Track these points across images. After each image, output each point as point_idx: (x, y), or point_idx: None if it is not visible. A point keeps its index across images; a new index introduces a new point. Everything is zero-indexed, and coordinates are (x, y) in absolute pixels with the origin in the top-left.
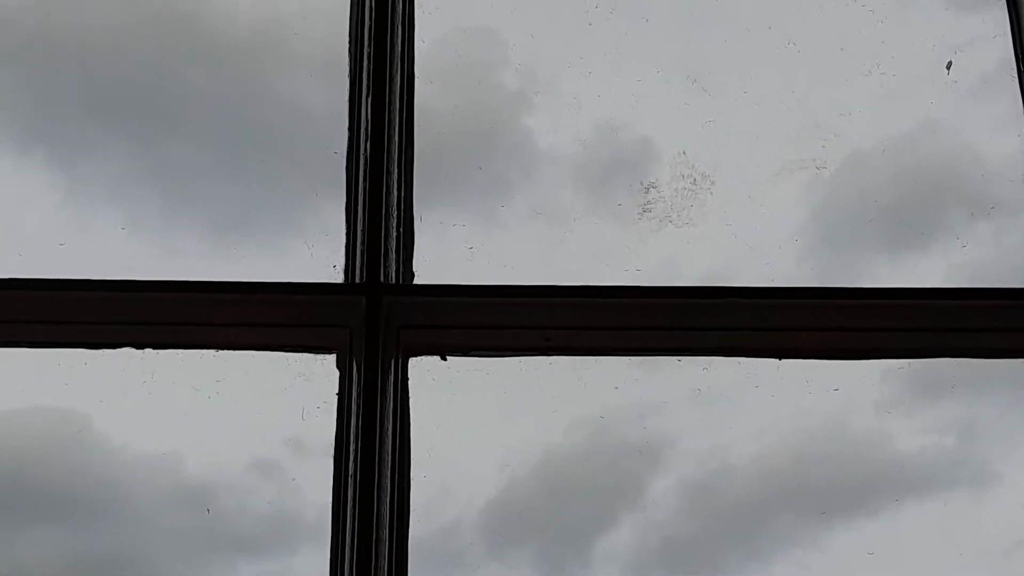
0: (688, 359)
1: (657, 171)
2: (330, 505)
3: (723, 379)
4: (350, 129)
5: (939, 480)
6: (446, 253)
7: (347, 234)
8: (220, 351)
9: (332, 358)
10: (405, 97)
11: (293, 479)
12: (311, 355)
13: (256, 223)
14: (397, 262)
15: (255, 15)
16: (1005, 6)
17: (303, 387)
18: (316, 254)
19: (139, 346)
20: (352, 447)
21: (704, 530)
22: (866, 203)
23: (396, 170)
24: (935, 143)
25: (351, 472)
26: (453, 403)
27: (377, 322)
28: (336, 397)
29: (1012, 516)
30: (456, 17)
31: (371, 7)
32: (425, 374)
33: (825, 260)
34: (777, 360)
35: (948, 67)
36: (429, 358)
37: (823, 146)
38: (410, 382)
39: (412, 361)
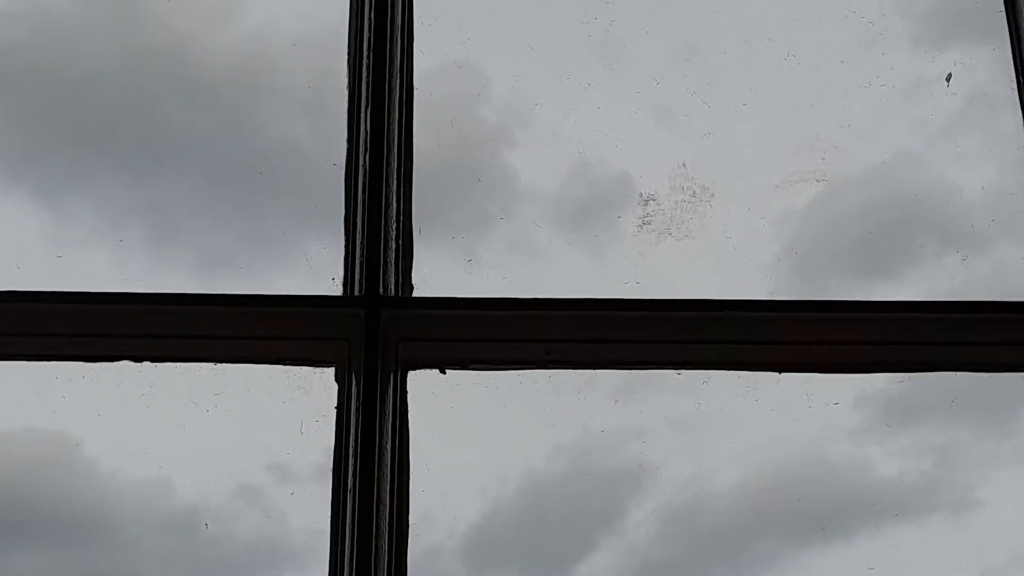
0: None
1: (656, 184)
2: (328, 519)
3: (722, 393)
4: (348, 141)
5: (917, 504)
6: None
7: (346, 246)
8: (218, 364)
9: (331, 371)
10: (404, 109)
11: (292, 493)
12: (310, 368)
13: (244, 257)
14: (396, 275)
15: (242, 49)
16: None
17: (302, 400)
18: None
19: (137, 359)
20: (351, 460)
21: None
22: (865, 215)
23: (395, 182)
24: (934, 154)
25: (350, 486)
26: (451, 417)
27: (376, 335)
28: (335, 411)
29: (990, 539)
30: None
31: (370, 19)
32: (424, 387)
33: (821, 273)
34: (777, 374)
35: (948, 79)
36: (428, 371)
37: (823, 158)
38: (409, 396)
39: (411, 375)
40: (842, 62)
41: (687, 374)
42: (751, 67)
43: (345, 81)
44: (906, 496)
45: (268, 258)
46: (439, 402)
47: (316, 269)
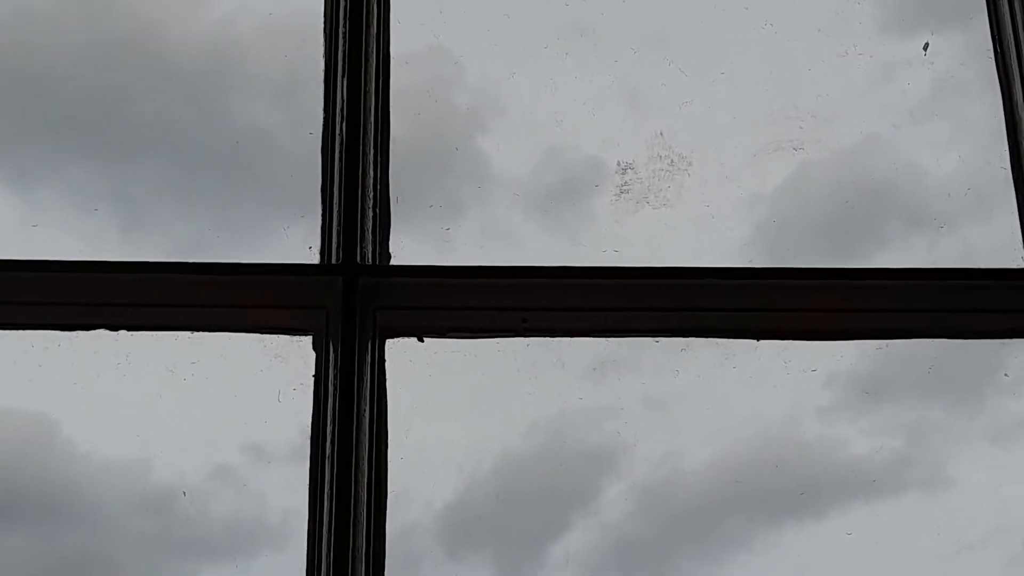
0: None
1: (633, 153)
2: (307, 487)
3: (700, 361)
4: (325, 110)
5: (889, 481)
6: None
7: (323, 215)
8: (195, 333)
9: (308, 340)
10: (381, 78)
11: (269, 463)
12: (287, 337)
13: (217, 244)
14: (374, 243)
15: (212, 37)
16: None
17: (279, 369)
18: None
19: (113, 328)
20: (329, 429)
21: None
22: (843, 186)
23: (372, 151)
24: (912, 125)
25: (328, 454)
26: (429, 385)
27: (354, 303)
28: (313, 379)
29: (963, 516)
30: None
31: None
32: (402, 356)
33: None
34: (755, 341)
35: (925, 48)
36: (406, 340)
37: (800, 127)
38: (387, 364)
39: (389, 343)
40: (819, 31)
41: (665, 342)
42: (727, 36)
43: (317, 63)
44: (879, 473)
45: (241, 244)
46: (417, 370)
47: (291, 250)
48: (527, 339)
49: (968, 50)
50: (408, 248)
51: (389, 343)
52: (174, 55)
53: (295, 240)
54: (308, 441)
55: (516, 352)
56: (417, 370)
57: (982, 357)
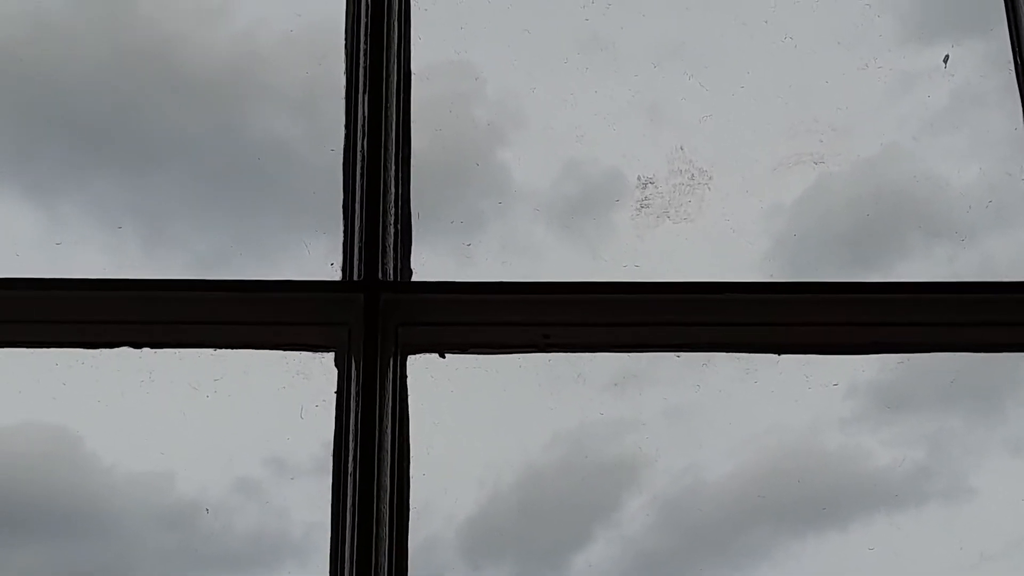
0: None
1: (654, 168)
2: (329, 503)
3: (721, 375)
4: (347, 126)
5: (911, 493)
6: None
7: (344, 231)
8: (218, 350)
9: (330, 356)
10: (402, 93)
11: (292, 478)
12: (309, 353)
13: (238, 256)
14: (395, 259)
15: (233, 51)
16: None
17: (302, 385)
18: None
19: (137, 345)
20: (351, 445)
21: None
22: (863, 198)
23: (394, 167)
24: (931, 136)
25: (350, 470)
26: (451, 401)
27: (375, 319)
28: (335, 395)
29: (985, 527)
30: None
31: (367, 3)
32: (424, 372)
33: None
34: (776, 356)
35: (945, 61)
36: (428, 356)
37: (821, 140)
38: (408, 380)
39: (411, 359)
40: (839, 44)
41: (686, 357)
42: (747, 49)
43: (338, 78)
44: (900, 485)
45: (262, 259)
46: (439, 386)
47: (312, 265)
48: (548, 355)
49: (988, 61)
50: (429, 263)
51: (411, 359)
52: (195, 69)
53: (316, 256)
54: (331, 456)
55: (538, 367)
56: (439, 386)
57: (1003, 369)
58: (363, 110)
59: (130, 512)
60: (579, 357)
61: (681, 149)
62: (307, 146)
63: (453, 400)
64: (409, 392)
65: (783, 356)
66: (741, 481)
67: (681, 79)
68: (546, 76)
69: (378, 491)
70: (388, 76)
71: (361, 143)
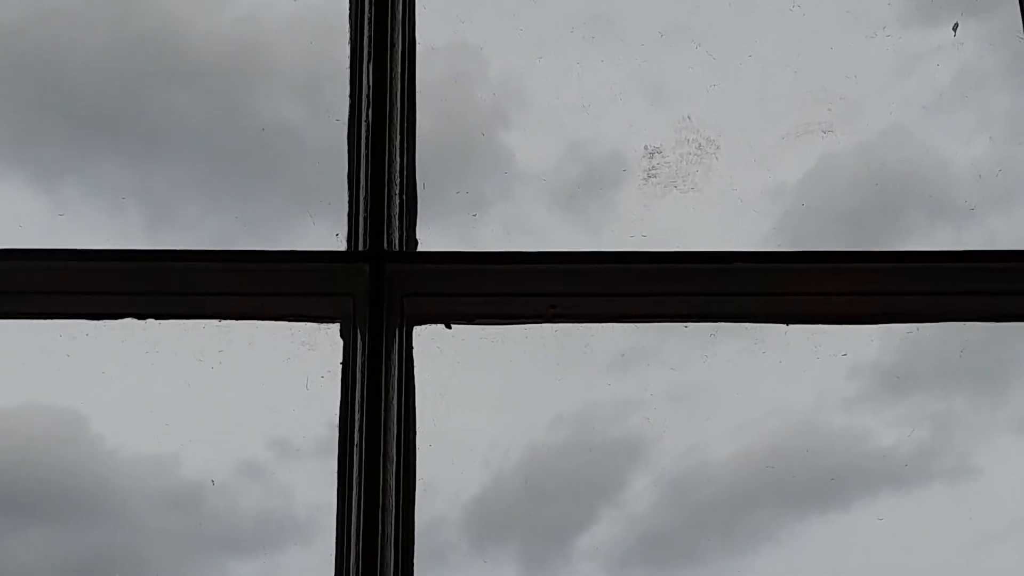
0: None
1: (661, 137)
2: (335, 475)
3: (729, 346)
4: (351, 96)
5: (915, 473)
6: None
7: (349, 202)
8: (223, 321)
9: (336, 327)
10: (407, 62)
11: (297, 449)
12: (315, 324)
13: (242, 240)
14: (400, 229)
15: (237, 32)
16: None
17: (307, 356)
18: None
19: (141, 317)
20: (357, 416)
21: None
22: (871, 172)
23: (399, 136)
24: (938, 111)
25: (356, 442)
26: (457, 372)
27: (381, 290)
28: (340, 366)
29: (989, 506)
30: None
31: None
32: (429, 342)
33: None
34: (784, 325)
35: (955, 28)
36: (434, 326)
37: (828, 109)
38: (414, 350)
39: (416, 329)
40: (847, 12)
41: (693, 329)
42: (754, 18)
43: (341, 59)
44: (905, 464)
45: (267, 237)
46: (445, 357)
47: (317, 245)
48: (555, 325)
49: (995, 35)
50: (434, 237)
51: (417, 330)
52: (199, 51)
53: (321, 230)
54: (336, 429)
55: (544, 339)
56: (445, 357)
57: (1007, 346)
58: (368, 79)
59: (135, 493)
60: (586, 328)
61: (688, 119)
62: (312, 127)
63: (459, 371)
64: (415, 363)
65: (791, 327)
66: (746, 460)
67: (688, 49)
68: (551, 49)
69: (384, 462)
70: (393, 45)
71: (366, 112)
